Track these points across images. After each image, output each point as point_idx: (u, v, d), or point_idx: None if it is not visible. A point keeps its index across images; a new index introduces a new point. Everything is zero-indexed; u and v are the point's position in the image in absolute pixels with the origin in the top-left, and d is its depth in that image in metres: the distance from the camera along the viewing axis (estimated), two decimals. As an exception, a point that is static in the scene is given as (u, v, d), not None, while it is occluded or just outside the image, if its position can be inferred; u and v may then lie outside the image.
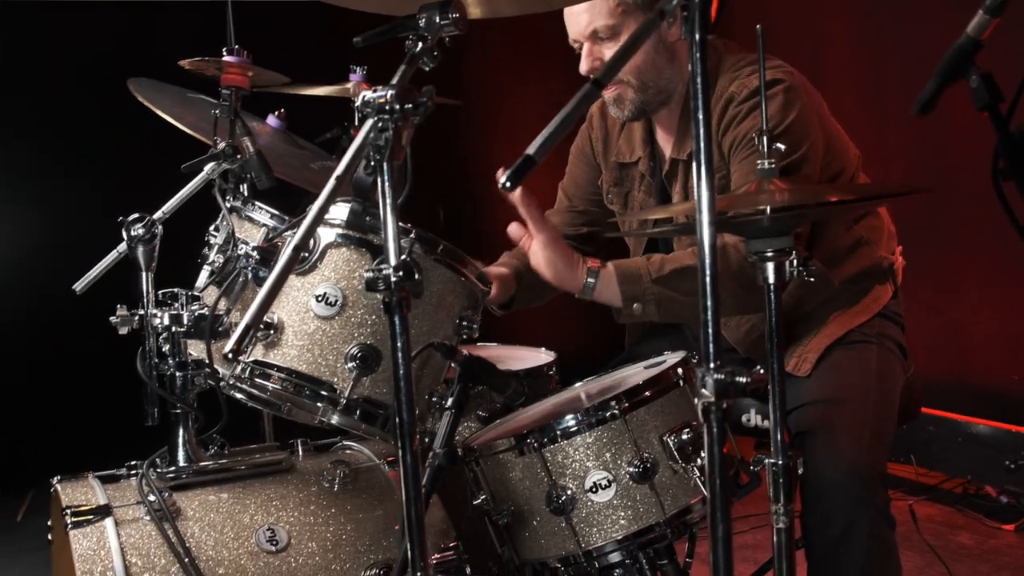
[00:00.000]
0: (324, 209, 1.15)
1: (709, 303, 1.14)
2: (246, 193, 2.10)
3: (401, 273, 1.24)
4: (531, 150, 1.05)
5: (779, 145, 1.59)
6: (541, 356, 2.74)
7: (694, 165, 1.13)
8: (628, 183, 2.42)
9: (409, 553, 1.34)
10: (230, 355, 1.07)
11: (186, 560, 1.71)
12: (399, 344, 1.29)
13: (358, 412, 1.71)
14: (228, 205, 2.04)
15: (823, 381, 2.12)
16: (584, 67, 2.19)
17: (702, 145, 1.13)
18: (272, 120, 2.69)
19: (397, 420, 1.30)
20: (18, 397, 4.12)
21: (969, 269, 4.16)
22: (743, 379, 1.10)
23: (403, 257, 1.24)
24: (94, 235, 2.04)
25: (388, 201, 1.25)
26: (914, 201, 4.00)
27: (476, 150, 5.34)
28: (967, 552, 3.47)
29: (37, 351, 4.21)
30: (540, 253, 2.03)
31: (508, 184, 1.07)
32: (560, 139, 1.05)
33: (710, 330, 1.13)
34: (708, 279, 1.12)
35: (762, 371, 1.11)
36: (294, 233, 1.73)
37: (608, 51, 2.14)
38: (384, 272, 1.25)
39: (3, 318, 4.24)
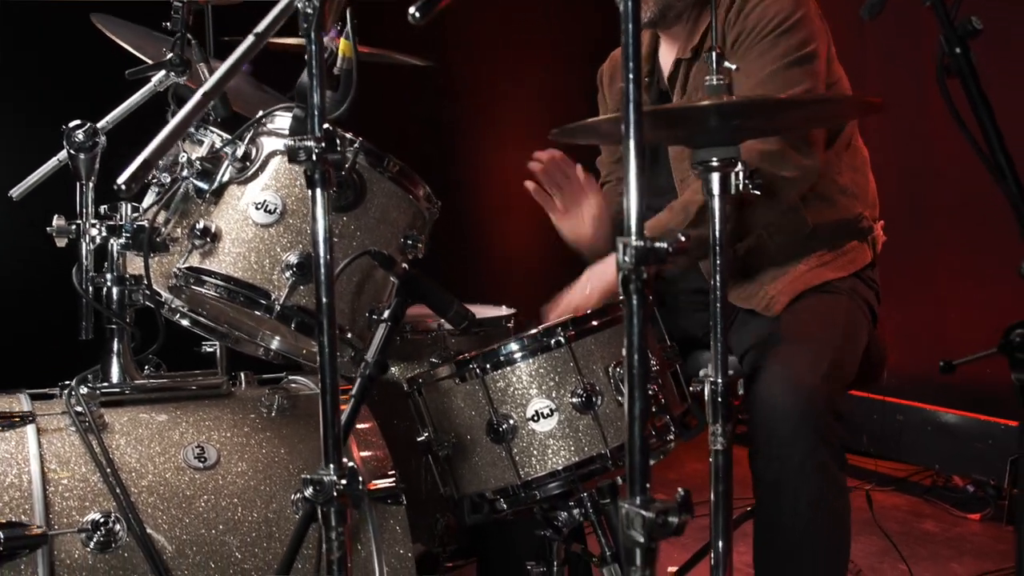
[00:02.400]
0: (244, 58, 1.11)
1: (632, 177, 1.10)
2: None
3: (324, 144, 1.20)
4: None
5: (729, 64, 1.55)
6: (500, 310, 2.70)
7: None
8: None
9: (323, 447, 1.29)
10: (122, 188, 1.02)
11: (108, 470, 1.66)
12: (320, 224, 1.25)
13: (295, 322, 1.65)
14: (180, 129, 1.99)
15: (787, 321, 2.11)
16: None
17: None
18: (237, 62, 2.65)
19: (315, 304, 1.26)
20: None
21: (945, 261, 4.14)
22: (663, 244, 1.06)
23: (327, 127, 1.20)
24: (37, 148, 1.99)
25: (315, 70, 1.21)
26: (895, 193, 3.99)
27: (466, 139, 5.33)
28: (931, 538, 3.44)
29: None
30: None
31: (417, 15, 1.03)
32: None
33: (633, 204, 1.09)
34: (633, 145, 1.08)
35: (684, 239, 1.07)
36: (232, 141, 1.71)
37: None
38: (306, 142, 1.20)
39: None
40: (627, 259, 1.07)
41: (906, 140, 4.17)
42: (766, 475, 1.91)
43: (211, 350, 2.15)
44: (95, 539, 1.59)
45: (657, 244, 1.06)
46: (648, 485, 1.14)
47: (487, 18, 5.05)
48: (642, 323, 1.10)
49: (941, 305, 4.14)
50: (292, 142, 1.20)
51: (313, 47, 1.21)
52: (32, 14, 3.93)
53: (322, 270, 1.22)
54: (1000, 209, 1.31)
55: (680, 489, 1.15)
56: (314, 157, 1.20)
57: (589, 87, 2.63)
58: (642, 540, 1.10)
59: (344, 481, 1.25)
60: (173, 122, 1.08)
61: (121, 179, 1.05)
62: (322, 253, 1.21)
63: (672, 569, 2.27)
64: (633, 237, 1.07)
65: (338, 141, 1.22)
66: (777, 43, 2.03)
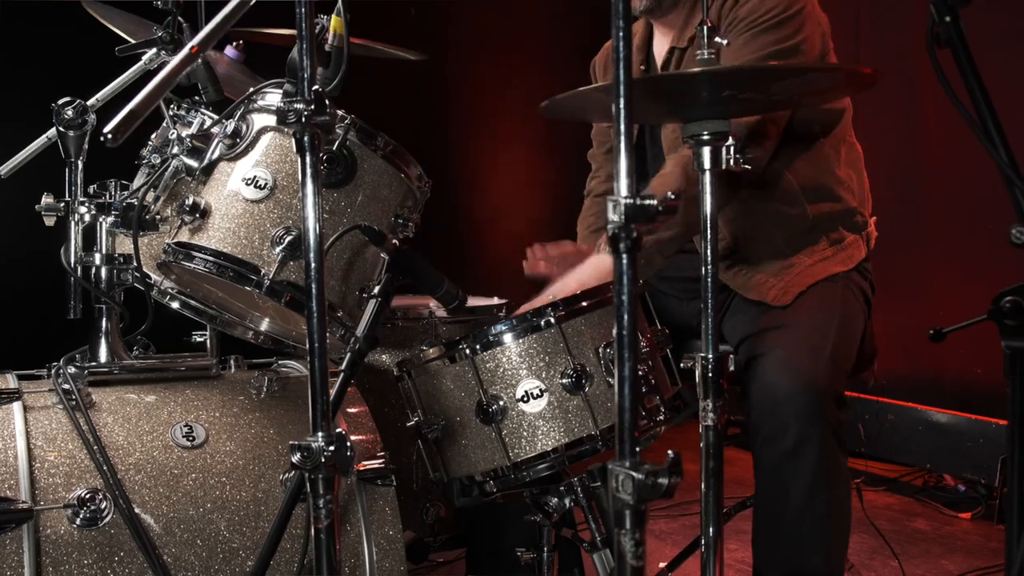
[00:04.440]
0: (233, 15, 1.10)
1: (622, 139, 1.09)
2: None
3: (313, 107, 1.20)
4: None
5: (719, 39, 1.56)
6: (492, 301, 2.69)
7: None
8: None
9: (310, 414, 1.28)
10: (107, 137, 1.02)
11: (95, 447, 1.64)
12: (310, 188, 1.24)
13: (284, 298, 1.64)
14: (171, 113, 1.99)
15: (784, 309, 2.11)
16: None
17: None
18: (230, 51, 2.64)
19: (305, 274, 1.25)
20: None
21: (935, 264, 4.15)
22: (653, 201, 1.05)
23: (316, 88, 1.19)
24: (25, 125, 1.98)
25: (305, 33, 1.21)
26: (887, 195, 3.99)
27: (459, 134, 5.36)
28: (922, 536, 3.43)
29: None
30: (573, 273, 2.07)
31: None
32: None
33: (623, 163, 1.09)
34: (623, 85, 1.08)
35: (674, 196, 1.06)
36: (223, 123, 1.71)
37: None
38: (296, 105, 1.20)
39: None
40: (616, 216, 1.07)
41: (899, 145, 4.18)
42: (765, 454, 1.90)
43: (201, 340, 2.14)
44: (81, 515, 1.58)
45: (647, 201, 1.05)
46: (637, 448, 1.13)
47: (482, 16, 5.07)
48: (632, 283, 1.10)
49: (932, 306, 4.15)
50: (282, 104, 1.20)
51: (303, 10, 1.21)
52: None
53: (311, 236, 1.21)
54: (993, 209, 1.31)
55: (670, 451, 1.14)
56: (303, 119, 1.19)
57: (581, 83, 2.64)
58: (632, 502, 1.09)
59: (332, 448, 1.24)
60: (161, 74, 1.08)
61: (107, 128, 1.04)
62: (311, 218, 1.20)
63: (663, 564, 2.26)
64: (623, 193, 1.07)
65: (328, 106, 1.21)
66: (760, 36, 2.04)
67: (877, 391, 4.12)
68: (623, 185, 1.09)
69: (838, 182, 2.24)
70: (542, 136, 5.23)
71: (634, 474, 1.09)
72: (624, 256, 1.07)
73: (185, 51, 1.11)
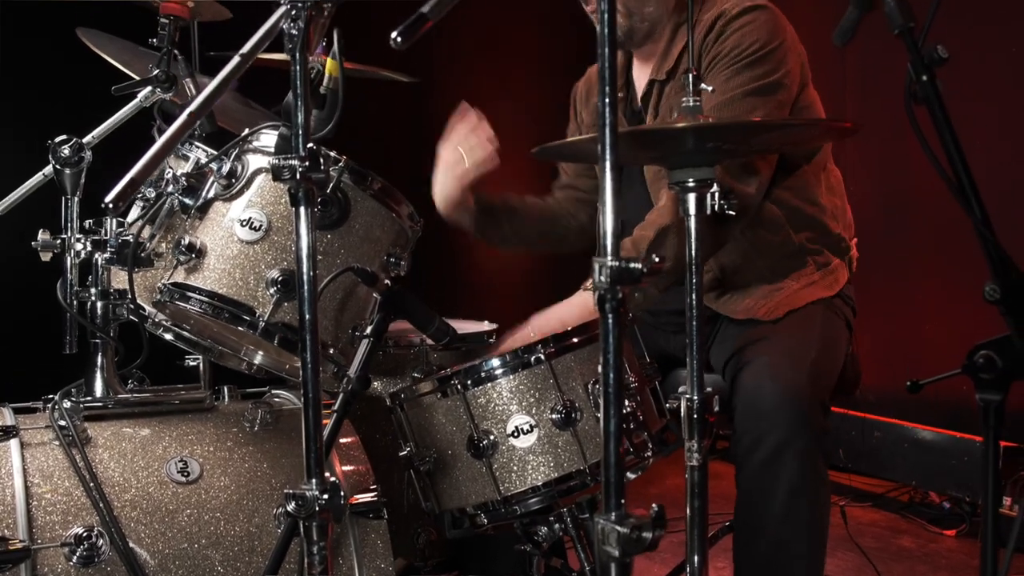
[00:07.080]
0: (230, 78, 1.13)
1: (608, 197, 1.13)
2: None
3: (308, 163, 1.23)
4: (424, 9, 1.05)
5: (705, 86, 1.59)
6: (482, 326, 2.72)
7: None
8: None
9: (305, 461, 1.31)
10: (109, 206, 1.05)
11: (91, 484, 1.67)
12: (304, 241, 1.27)
13: (277, 338, 1.67)
14: (166, 145, 2.01)
15: (770, 328, 2.17)
16: None
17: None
18: (223, 78, 2.68)
19: (299, 321, 1.28)
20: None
21: (922, 280, 4.20)
22: (637, 265, 1.09)
23: (311, 146, 1.22)
24: (22, 162, 2.01)
25: (300, 89, 1.24)
26: (872, 214, 4.04)
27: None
28: (907, 554, 3.47)
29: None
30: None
31: (399, 40, 1.07)
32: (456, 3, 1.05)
33: (609, 224, 1.12)
34: (609, 167, 1.11)
35: (658, 260, 1.10)
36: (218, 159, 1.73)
37: None
38: (290, 161, 1.23)
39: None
40: (602, 279, 1.10)
41: (885, 163, 4.23)
42: (747, 460, 1.92)
43: (194, 364, 2.16)
44: (78, 553, 1.60)
45: (631, 264, 1.09)
46: (623, 501, 1.16)
47: (470, 36, 5.10)
48: (617, 342, 1.13)
49: (918, 324, 4.19)
50: (277, 161, 1.23)
51: (298, 67, 1.24)
52: (18, 29, 3.93)
53: (305, 287, 1.24)
54: (973, 230, 1.35)
55: (654, 505, 1.17)
56: (298, 176, 1.22)
57: (569, 103, 2.67)
58: (617, 555, 1.13)
59: (326, 496, 1.26)
60: (160, 141, 1.11)
61: (108, 197, 1.07)
62: (305, 270, 1.23)
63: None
64: (608, 257, 1.10)
65: (322, 160, 1.24)
66: (742, 72, 2.07)
67: (863, 408, 4.17)
68: (608, 247, 1.12)
69: (821, 210, 2.28)
70: (531, 156, 5.26)
71: (619, 528, 1.12)
72: (610, 317, 1.11)
73: (184, 117, 1.14)
